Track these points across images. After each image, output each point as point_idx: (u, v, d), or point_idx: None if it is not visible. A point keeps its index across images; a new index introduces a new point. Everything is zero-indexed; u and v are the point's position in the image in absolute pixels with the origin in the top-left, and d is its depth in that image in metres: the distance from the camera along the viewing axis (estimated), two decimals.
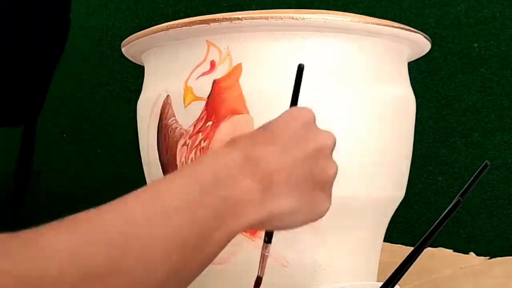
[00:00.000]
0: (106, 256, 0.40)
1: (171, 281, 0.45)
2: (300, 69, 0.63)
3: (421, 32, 0.82)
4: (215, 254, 0.49)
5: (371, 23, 0.75)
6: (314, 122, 0.57)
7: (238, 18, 0.73)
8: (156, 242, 0.43)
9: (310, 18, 0.73)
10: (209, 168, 0.49)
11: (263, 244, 0.62)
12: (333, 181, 0.57)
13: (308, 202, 0.55)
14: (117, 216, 0.43)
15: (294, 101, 0.62)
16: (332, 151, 0.57)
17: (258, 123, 0.73)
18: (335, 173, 0.57)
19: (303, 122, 0.56)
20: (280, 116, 0.57)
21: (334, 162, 0.57)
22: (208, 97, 0.75)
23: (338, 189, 0.75)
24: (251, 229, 0.52)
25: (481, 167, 0.62)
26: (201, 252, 0.47)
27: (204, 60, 0.76)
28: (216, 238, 0.48)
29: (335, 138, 0.57)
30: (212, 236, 0.47)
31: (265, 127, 0.55)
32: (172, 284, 0.45)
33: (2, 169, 1.64)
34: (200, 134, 0.75)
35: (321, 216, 0.58)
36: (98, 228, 0.41)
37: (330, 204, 0.58)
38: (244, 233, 0.76)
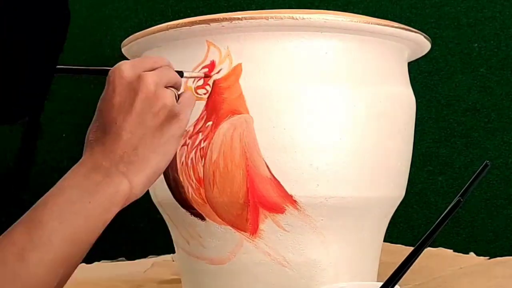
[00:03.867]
0: None
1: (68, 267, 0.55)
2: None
3: (421, 32, 0.82)
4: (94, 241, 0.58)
5: (371, 23, 0.75)
6: (131, 70, 0.62)
7: (238, 18, 0.73)
8: (43, 269, 0.52)
9: (310, 18, 0.73)
10: (68, 181, 0.58)
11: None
12: (173, 105, 0.62)
13: (166, 143, 0.62)
14: (7, 247, 0.52)
15: (103, 71, 0.66)
16: (156, 84, 0.61)
17: (258, 123, 0.73)
18: (171, 98, 0.62)
19: (122, 88, 0.61)
20: (104, 92, 0.62)
21: (168, 92, 0.62)
22: (208, 97, 0.75)
23: (339, 189, 0.75)
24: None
25: (481, 167, 0.62)
26: (81, 255, 0.57)
27: (204, 60, 0.76)
28: (93, 236, 0.57)
29: (154, 74, 0.62)
30: (90, 238, 0.56)
31: (96, 115, 0.62)
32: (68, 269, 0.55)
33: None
34: (200, 134, 0.75)
35: (182, 135, 0.64)
36: None
37: (183, 118, 0.63)
38: (244, 233, 0.76)
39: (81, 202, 0.56)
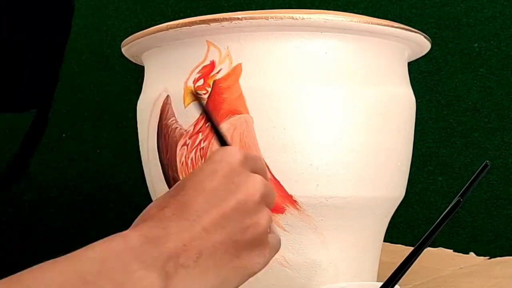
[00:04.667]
0: None
1: None
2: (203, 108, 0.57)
3: (421, 32, 0.82)
4: None
5: (371, 23, 0.75)
6: (242, 165, 0.50)
7: (238, 18, 0.73)
8: None
9: (310, 18, 0.73)
10: (98, 253, 0.43)
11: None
12: (266, 230, 0.51)
13: (234, 270, 0.49)
14: None
15: (221, 141, 0.55)
16: (262, 195, 0.50)
17: (258, 123, 0.73)
18: (268, 221, 0.50)
19: (226, 171, 0.49)
20: (200, 167, 0.50)
21: (265, 209, 0.50)
22: (208, 97, 0.75)
23: (339, 189, 0.75)
24: None
25: (481, 167, 0.62)
26: None
27: (204, 60, 0.76)
28: None
29: (264, 181, 0.51)
30: None
31: (179, 187, 0.49)
32: None
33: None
34: (200, 134, 0.75)
35: (253, 275, 0.51)
36: None
37: (267, 257, 0.52)
38: None
39: (95, 286, 0.41)
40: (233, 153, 0.50)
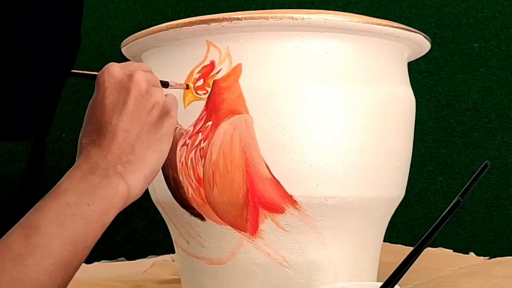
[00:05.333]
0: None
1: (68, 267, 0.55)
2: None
3: (421, 32, 0.82)
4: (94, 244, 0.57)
5: (371, 23, 0.75)
6: (121, 73, 0.63)
7: (238, 18, 0.73)
8: (43, 275, 0.52)
9: (310, 18, 0.73)
10: (66, 185, 0.57)
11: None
12: (165, 103, 0.64)
13: (160, 140, 0.62)
14: (5, 254, 0.52)
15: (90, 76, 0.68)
16: (147, 83, 0.62)
17: (258, 123, 0.73)
18: (162, 95, 0.64)
19: (114, 87, 0.62)
20: (95, 94, 0.63)
21: (154, 89, 0.63)
22: (208, 97, 0.75)
23: (338, 189, 0.75)
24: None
25: (481, 167, 0.62)
26: (80, 259, 0.56)
27: (204, 60, 0.76)
28: (92, 240, 0.56)
29: (142, 73, 0.63)
30: (89, 241, 0.56)
31: (91, 118, 0.62)
32: (67, 272, 0.55)
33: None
34: (200, 134, 0.75)
35: (173, 130, 0.64)
36: None
37: (174, 115, 0.64)
38: (244, 233, 0.76)
39: (79, 205, 0.56)
40: (112, 68, 0.63)
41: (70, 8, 0.66)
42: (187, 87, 0.76)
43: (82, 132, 0.62)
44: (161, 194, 0.81)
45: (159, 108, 0.63)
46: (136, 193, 0.60)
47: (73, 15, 0.66)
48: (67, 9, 0.65)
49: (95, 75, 0.64)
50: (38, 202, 0.56)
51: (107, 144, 0.59)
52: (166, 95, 0.66)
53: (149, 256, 1.29)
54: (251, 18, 0.73)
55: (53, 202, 0.55)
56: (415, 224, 1.38)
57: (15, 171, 1.62)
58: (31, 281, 0.51)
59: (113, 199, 0.57)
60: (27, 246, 0.52)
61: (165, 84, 0.71)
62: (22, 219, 0.54)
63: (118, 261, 1.31)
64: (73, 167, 0.59)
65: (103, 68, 0.63)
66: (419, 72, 1.35)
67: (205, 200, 0.75)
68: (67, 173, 0.59)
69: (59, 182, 0.58)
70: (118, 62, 0.65)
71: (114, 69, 0.63)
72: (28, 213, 0.55)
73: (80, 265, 0.57)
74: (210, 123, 0.75)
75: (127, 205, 0.59)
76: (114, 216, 0.58)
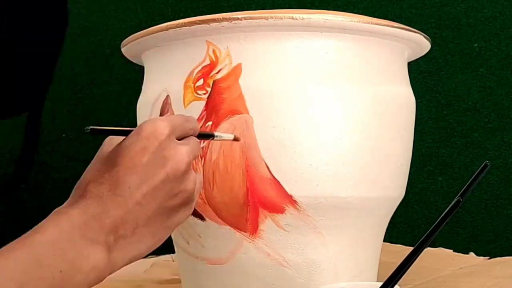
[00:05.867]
0: None
1: None
2: None
3: (421, 32, 0.82)
4: None
5: (371, 23, 0.75)
6: (169, 138, 0.55)
7: (238, 18, 0.73)
8: None
9: (310, 18, 0.73)
10: (49, 236, 0.49)
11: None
12: (195, 192, 0.57)
13: (166, 229, 0.56)
14: None
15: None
16: (187, 164, 0.55)
17: (258, 123, 0.73)
18: (194, 183, 0.57)
19: (154, 147, 0.54)
20: (131, 142, 0.54)
21: (192, 175, 0.56)
22: (208, 97, 0.75)
23: (338, 189, 0.75)
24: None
25: (481, 167, 0.62)
26: None
27: (204, 60, 0.76)
28: None
29: (190, 149, 0.56)
30: None
31: (111, 161, 0.54)
32: None
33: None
34: None
35: (173, 228, 0.57)
36: None
37: (190, 211, 0.58)
38: (244, 233, 0.76)
39: (51, 268, 0.48)
40: (161, 128, 0.55)
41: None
42: (235, 139, 0.68)
43: (94, 169, 0.54)
44: None
45: (184, 196, 0.56)
46: (111, 271, 0.53)
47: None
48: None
49: (129, 130, 0.56)
50: (10, 243, 0.48)
51: (112, 208, 0.52)
52: (195, 179, 0.58)
53: (149, 256, 1.29)
54: (251, 18, 0.73)
55: (21, 255, 0.47)
56: (415, 224, 1.38)
57: (15, 171, 1.62)
58: None
59: (88, 276, 0.50)
60: None
61: (210, 136, 0.66)
62: None
63: None
64: (65, 210, 0.52)
65: (152, 122, 0.55)
66: (419, 72, 1.35)
67: (205, 200, 0.75)
68: (57, 212, 0.52)
69: (43, 222, 0.50)
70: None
71: (162, 127, 0.55)
72: None
73: None
74: (210, 123, 0.75)
75: (95, 282, 0.52)
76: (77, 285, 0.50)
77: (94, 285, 0.51)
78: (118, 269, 0.54)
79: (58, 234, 0.49)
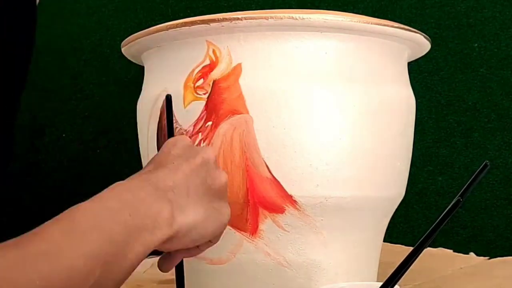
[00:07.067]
0: (32, 278, 0.43)
1: None
2: (169, 99, 0.68)
3: (421, 32, 0.82)
4: (134, 266, 0.53)
5: (371, 23, 0.75)
6: (192, 145, 0.62)
7: (238, 18, 0.73)
8: (78, 261, 0.46)
9: (310, 18, 0.73)
10: (115, 194, 0.52)
11: None
12: (226, 189, 0.61)
13: (212, 211, 0.59)
14: (39, 243, 0.46)
15: (170, 133, 0.66)
16: (215, 162, 0.61)
17: (258, 123, 0.73)
18: (226, 181, 0.61)
19: (182, 146, 0.60)
20: (161, 148, 0.61)
21: (223, 171, 0.61)
22: (208, 97, 0.75)
23: (338, 189, 0.75)
24: (164, 245, 0.55)
25: (481, 167, 0.62)
26: (120, 266, 0.50)
27: (204, 60, 0.76)
28: (132, 253, 0.51)
29: (215, 152, 0.62)
30: (128, 251, 0.51)
31: (150, 160, 0.60)
32: None
33: None
34: (200, 134, 0.75)
35: (225, 223, 0.61)
36: (25, 254, 0.44)
37: (230, 210, 0.61)
38: (244, 233, 0.76)
39: (120, 212, 0.50)
40: (184, 137, 0.62)
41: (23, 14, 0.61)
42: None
43: (162, 147, 0.60)
44: None
45: (220, 184, 0.60)
46: (177, 230, 0.55)
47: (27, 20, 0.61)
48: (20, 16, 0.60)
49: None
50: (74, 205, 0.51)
51: (163, 174, 0.56)
52: (226, 175, 0.62)
53: (149, 256, 1.29)
54: (251, 18, 0.73)
55: (92, 204, 0.50)
56: (415, 224, 1.38)
57: (15, 171, 1.62)
58: (66, 268, 0.46)
59: (157, 219, 0.52)
60: (61, 235, 0.47)
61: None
62: (54, 218, 0.49)
63: None
64: (122, 182, 0.55)
65: (175, 137, 0.63)
66: (419, 72, 1.35)
67: None
68: (111, 185, 0.54)
69: (102, 192, 0.52)
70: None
71: (186, 140, 0.61)
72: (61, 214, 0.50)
73: (123, 276, 0.52)
74: (210, 123, 0.75)
75: (168, 238, 0.54)
76: (156, 244, 0.53)
77: (163, 238, 0.53)
78: (185, 231, 0.55)
79: (117, 191, 0.52)
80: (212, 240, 0.62)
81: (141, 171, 0.58)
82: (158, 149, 0.80)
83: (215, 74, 0.75)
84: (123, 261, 0.50)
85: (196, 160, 0.58)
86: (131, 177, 0.56)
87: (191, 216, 0.56)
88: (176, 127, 0.77)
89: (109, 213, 0.50)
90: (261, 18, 0.73)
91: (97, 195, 0.52)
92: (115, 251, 0.49)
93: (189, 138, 0.62)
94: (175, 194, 0.55)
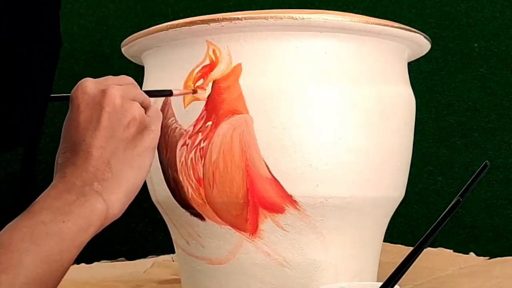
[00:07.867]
0: None
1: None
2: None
3: (421, 32, 0.82)
4: (70, 265, 0.55)
5: (371, 23, 0.75)
6: (95, 89, 0.60)
7: (238, 18, 0.73)
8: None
9: (310, 18, 0.73)
10: (46, 205, 0.54)
11: None
12: (142, 116, 0.61)
13: (140, 156, 0.60)
14: None
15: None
16: (121, 97, 0.60)
17: (258, 123, 0.73)
18: (139, 110, 0.61)
19: (86, 100, 0.59)
20: (69, 113, 0.61)
21: (131, 103, 0.60)
22: (208, 97, 0.75)
23: (338, 189, 0.75)
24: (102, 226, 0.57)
25: (481, 167, 0.62)
26: (56, 277, 0.53)
27: (204, 60, 0.76)
28: (68, 258, 0.54)
29: (117, 87, 0.60)
30: (65, 259, 0.53)
31: (64, 136, 0.60)
32: None
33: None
34: (200, 134, 0.75)
35: (155, 147, 0.62)
36: None
37: (155, 129, 0.62)
38: (243, 233, 0.76)
39: (54, 223, 0.53)
40: (83, 84, 0.60)
41: (48, 10, 0.62)
42: (194, 91, 0.75)
43: (58, 152, 0.60)
44: (161, 194, 0.81)
45: (136, 123, 0.60)
46: (115, 212, 0.57)
47: (52, 16, 0.62)
48: (45, 11, 0.62)
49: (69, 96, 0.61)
50: (10, 222, 0.53)
51: (81, 162, 0.57)
52: (148, 109, 0.63)
53: (149, 256, 1.29)
54: (251, 18, 0.73)
55: (26, 221, 0.52)
56: (415, 224, 1.38)
57: (15, 171, 1.62)
58: None
59: (90, 217, 0.55)
60: None
61: (168, 93, 0.70)
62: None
63: (118, 261, 1.31)
64: (48, 188, 0.57)
65: (76, 85, 0.61)
66: (419, 72, 1.35)
67: (205, 200, 0.76)
68: (42, 194, 0.56)
69: (33, 203, 0.55)
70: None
71: (87, 84, 0.60)
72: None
73: (57, 285, 0.54)
74: (210, 123, 0.75)
75: (106, 224, 0.57)
76: (91, 235, 0.55)
77: (100, 228, 0.56)
78: (120, 208, 0.58)
79: (48, 200, 0.55)
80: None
81: (60, 163, 0.58)
82: (158, 149, 0.80)
83: (215, 74, 0.75)
84: (60, 272, 0.53)
85: (104, 119, 0.58)
86: (55, 181, 0.57)
87: (121, 188, 0.58)
88: (177, 127, 0.77)
89: (43, 227, 0.52)
90: (261, 18, 0.73)
91: (30, 209, 0.54)
92: (52, 268, 0.52)
93: (90, 81, 0.61)
94: (98, 178, 0.56)
